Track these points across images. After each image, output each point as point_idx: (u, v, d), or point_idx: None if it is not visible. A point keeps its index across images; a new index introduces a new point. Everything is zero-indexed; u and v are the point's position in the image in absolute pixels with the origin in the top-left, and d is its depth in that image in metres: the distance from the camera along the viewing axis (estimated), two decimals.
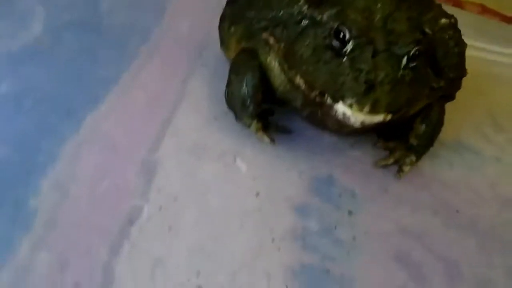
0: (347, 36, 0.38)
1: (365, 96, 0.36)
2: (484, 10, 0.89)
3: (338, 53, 0.38)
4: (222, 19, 0.52)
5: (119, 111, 0.47)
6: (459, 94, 0.54)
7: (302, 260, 0.39)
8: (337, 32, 0.38)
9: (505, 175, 0.54)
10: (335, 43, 0.38)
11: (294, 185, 0.45)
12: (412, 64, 0.38)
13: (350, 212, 0.44)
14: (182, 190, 0.41)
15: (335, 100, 0.37)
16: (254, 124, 0.47)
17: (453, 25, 0.48)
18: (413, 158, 0.48)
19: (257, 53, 0.46)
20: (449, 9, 0.83)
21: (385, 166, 0.49)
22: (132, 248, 0.35)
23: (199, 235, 0.38)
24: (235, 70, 0.47)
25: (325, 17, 0.41)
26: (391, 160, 0.49)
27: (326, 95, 0.38)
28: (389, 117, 0.38)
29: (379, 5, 0.41)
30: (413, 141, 0.48)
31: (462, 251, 0.44)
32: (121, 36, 0.56)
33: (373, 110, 0.36)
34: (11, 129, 0.42)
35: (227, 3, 0.52)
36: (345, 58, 0.37)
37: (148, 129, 0.46)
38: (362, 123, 0.37)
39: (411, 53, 0.38)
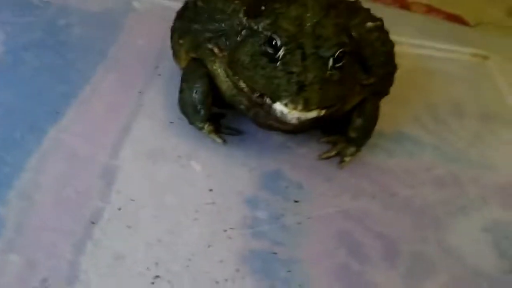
0: (279, 43, 0.42)
1: (297, 95, 0.41)
2: (430, 9, 0.96)
3: (272, 58, 0.43)
4: (172, 32, 0.56)
5: (79, 122, 0.50)
6: (398, 88, 0.60)
7: (252, 246, 0.43)
8: (270, 40, 0.43)
9: (441, 159, 0.60)
10: (269, 49, 0.43)
11: (245, 180, 0.49)
12: (338, 64, 0.43)
13: (296, 201, 0.49)
14: (140, 191, 0.45)
15: (273, 101, 0.42)
16: (206, 127, 0.51)
17: (379, 28, 0.54)
18: (353, 149, 0.54)
19: (204, 62, 0.50)
20: (395, 11, 0.90)
21: (329, 158, 0.54)
22: (94, 247, 0.39)
23: (156, 231, 0.42)
24: (186, 78, 0.51)
25: (260, 27, 0.46)
26: (333, 152, 0.54)
27: (265, 97, 0.42)
28: (322, 112, 0.42)
29: (309, 13, 0.46)
30: (352, 133, 0.53)
31: (398, 229, 0.49)
32: (80, 52, 0.60)
33: (306, 107, 0.41)
34: None
35: (176, 17, 0.56)
36: (278, 63, 0.42)
37: (107, 137, 0.50)
38: (298, 119, 0.42)
39: (336, 55, 0.43)
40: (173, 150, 0.51)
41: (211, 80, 0.50)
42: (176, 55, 0.56)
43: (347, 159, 0.53)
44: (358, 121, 0.52)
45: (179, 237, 0.42)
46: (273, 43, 0.43)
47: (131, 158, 0.48)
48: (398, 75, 0.58)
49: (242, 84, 0.45)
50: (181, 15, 0.55)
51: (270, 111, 0.43)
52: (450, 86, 0.73)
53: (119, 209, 0.42)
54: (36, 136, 0.47)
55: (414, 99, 0.68)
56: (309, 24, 0.45)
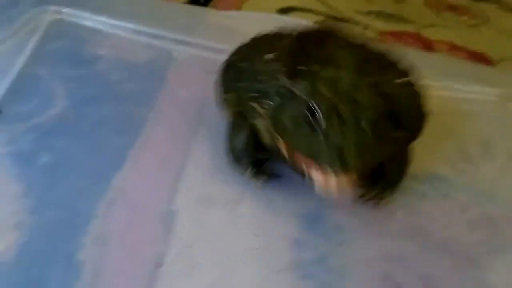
0: (318, 112, 0.45)
1: (336, 160, 0.43)
2: (452, 47, 0.98)
3: (313, 126, 0.45)
4: (218, 85, 0.61)
5: (136, 172, 0.55)
6: (430, 132, 0.62)
7: None
8: (309, 108, 0.46)
9: (475, 200, 0.62)
10: (309, 115, 0.46)
11: (288, 224, 0.53)
12: (375, 128, 0.45)
13: (339, 244, 0.52)
14: (195, 237, 0.49)
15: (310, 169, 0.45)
16: (248, 172, 0.55)
17: (410, 83, 0.56)
18: (388, 193, 0.57)
19: (248, 116, 0.54)
20: (417, 52, 0.93)
21: (366, 202, 0.56)
22: None
23: (211, 275, 0.46)
24: (231, 130, 0.57)
25: (298, 90, 0.48)
26: (371, 195, 0.57)
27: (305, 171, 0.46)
28: (355, 187, 0.47)
29: (343, 73, 0.48)
30: (387, 178, 0.56)
31: (437, 269, 0.52)
32: (131, 105, 0.65)
33: (345, 172, 0.44)
34: (55, 194, 0.50)
35: (222, 72, 0.61)
36: (317, 128, 0.45)
37: (162, 186, 0.54)
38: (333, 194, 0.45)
39: (372, 119, 0.45)
40: (221, 197, 0.55)
41: (253, 131, 0.54)
42: (222, 107, 0.61)
43: (382, 202, 0.56)
44: (391, 168, 0.56)
45: (232, 281, 0.45)
46: (312, 111, 0.46)
47: (184, 205, 0.52)
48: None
49: (282, 147, 0.49)
50: (225, 71, 0.60)
51: (308, 179, 0.47)
52: (477, 127, 0.75)
53: (179, 254, 0.46)
54: (101, 186, 0.52)
55: (443, 141, 0.70)
56: (345, 86, 0.47)
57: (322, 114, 0.45)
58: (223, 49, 0.64)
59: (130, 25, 0.77)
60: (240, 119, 0.56)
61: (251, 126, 0.54)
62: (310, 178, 0.46)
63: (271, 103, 0.51)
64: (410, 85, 0.56)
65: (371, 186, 0.57)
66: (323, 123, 0.45)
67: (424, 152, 0.64)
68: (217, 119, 0.62)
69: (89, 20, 0.77)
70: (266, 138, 0.53)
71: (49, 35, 0.74)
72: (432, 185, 0.63)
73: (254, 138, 0.55)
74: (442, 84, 0.81)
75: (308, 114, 0.46)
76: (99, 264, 0.43)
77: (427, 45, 0.98)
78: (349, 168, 0.44)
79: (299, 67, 0.51)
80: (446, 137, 0.71)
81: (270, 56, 0.54)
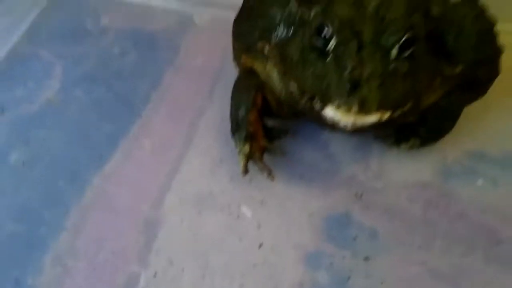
0: (329, 32, 0.35)
1: (351, 95, 0.34)
2: None
3: (322, 52, 0.36)
4: (232, 36, 0.50)
5: (124, 167, 0.46)
6: (502, 94, 0.47)
7: None
8: (319, 28, 0.36)
9: None
10: (319, 41, 0.36)
11: (304, 230, 0.41)
12: (406, 53, 0.35)
13: (366, 258, 0.39)
14: (181, 250, 0.40)
15: (324, 104, 0.35)
16: (243, 148, 0.44)
17: (469, 2, 0.43)
18: (417, 142, 0.46)
19: (255, 71, 0.45)
20: None
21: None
22: None
23: None
24: (233, 92, 0.47)
25: (312, 15, 0.38)
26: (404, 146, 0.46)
27: (315, 100, 0.36)
28: (386, 116, 0.35)
29: None
30: (422, 132, 0.46)
31: None
32: (132, 83, 0.55)
33: (362, 110, 0.34)
34: (17, 201, 0.43)
35: (234, 21, 0.50)
36: (329, 57, 0.35)
37: (153, 182, 0.45)
38: (354, 125, 0.35)
39: (402, 42, 0.35)
40: (221, 194, 0.44)
41: (262, 91, 0.45)
42: (235, 60, 0.51)
43: (403, 145, 0.46)
44: (430, 117, 0.44)
45: None
46: (323, 32, 0.36)
47: (176, 207, 0.43)
48: (503, 77, 0.44)
49: (292, 87, 0.39)
50: (237, 16, 0.49)
51: (322, 118, 0.36)
52: None
53: (155, 275, 0.38)
54: (78, 188, 0.44)
55: None
56: (374, 4, 0.37)
57: (335, 35, 0.35)
58: None
59: None
60: (244, 79, 0.46)
61: (258, 85, 0.45)
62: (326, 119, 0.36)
63: (280, 37, 0.41)
64: (471, 8, 0.42)
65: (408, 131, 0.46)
66: (335, 48, 0.35)
67: (498, 122, 0.48)
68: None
69: None
70: (278, 86, 0.44)
71: (50, 6, 0.66)
72: (506, 169, 0.47)
73: (263, 103, 0.45)
74: None
75: (317, 38, 0.36)
76: None
77: None
78: (368, 105, 0.34)
79: None
80: None
81: None
